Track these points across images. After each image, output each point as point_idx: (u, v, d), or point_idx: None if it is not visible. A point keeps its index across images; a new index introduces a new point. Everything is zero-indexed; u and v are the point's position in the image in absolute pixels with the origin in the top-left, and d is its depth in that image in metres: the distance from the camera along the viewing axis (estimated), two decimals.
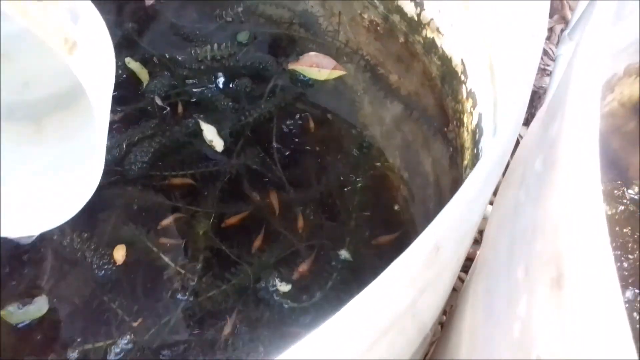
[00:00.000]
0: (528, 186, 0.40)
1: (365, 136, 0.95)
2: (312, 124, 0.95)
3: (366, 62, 1.04)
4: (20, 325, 0.70)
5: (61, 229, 0.72)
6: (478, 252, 0.76)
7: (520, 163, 0.46)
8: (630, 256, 0.71)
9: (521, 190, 0.42)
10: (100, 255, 0.72)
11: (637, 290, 0.68)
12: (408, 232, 0.87)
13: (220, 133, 0.86)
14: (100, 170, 0.56)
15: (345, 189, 0.90)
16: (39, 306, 0.70)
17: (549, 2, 0.60)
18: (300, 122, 0.96)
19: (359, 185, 0.90)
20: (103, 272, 0.72)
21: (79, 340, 0.69)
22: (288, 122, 0.94)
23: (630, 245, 0.72)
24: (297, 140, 0.94)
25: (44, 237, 0.74)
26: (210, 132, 0.84)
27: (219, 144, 0.84)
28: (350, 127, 0.96)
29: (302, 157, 0.93)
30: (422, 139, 1.00)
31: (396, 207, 0.92)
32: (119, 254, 0.73)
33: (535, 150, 0.41)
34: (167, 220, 0.78)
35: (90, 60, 0.49)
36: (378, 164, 0.96)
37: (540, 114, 0.57)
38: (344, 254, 0.76)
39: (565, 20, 1.35)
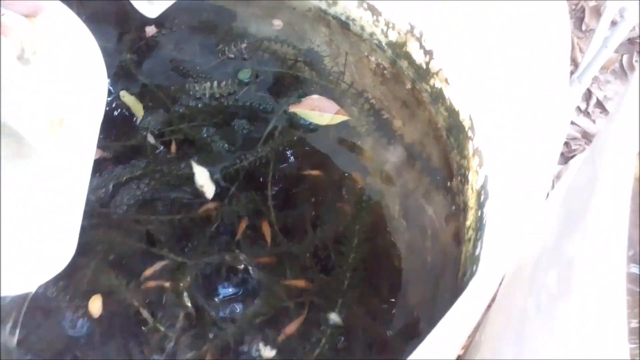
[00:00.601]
0: (539, 301, 0.36)
1: (365, 183, 0.91)
2: (309, 170, 0.91)
3: (370, 105, 1.01)
4: None
5: None
6: None
7: (528, 265, 0.42)
8: None
9: (529, 300, 0.38)
10: (75, 307, 0.68)
11: None
12: (405, 294, 0.83)
13: (212, 177, 0.82)
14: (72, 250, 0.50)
15: (342, 241, 0.85)
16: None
17: (568, 76, 0.56)
18: (297, 167, 0.92)
19: (356, 237, 0.86)
20: (77, 325, 0.67)
21: None
22: (284, 167, 0.90)
23: None
24: (293, 186, 0.90)
25: None
26: (202, 177, 0.80)
27: (209, 190, 0.80)
28: (350, 173, 0.92)
29: (298, 205, 0.88)
30: (424, 190, 0.96)
31: (395, 261, 0.88)
32: (95, 306, 0.68)
33: (546, 259, 0.37)
34: (150, 270, 0.74)
35: (79, 127, 0.45)
36: (376, 212, 0.92)
37: (553, 195, 0.52)
38: (333, 318, 0.72)
39: (575, 63, 1.31)
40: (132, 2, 0.77)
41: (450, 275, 0.84)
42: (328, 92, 0.99)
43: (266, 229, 0.83)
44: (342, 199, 0.91)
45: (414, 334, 0.80)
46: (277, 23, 1.07)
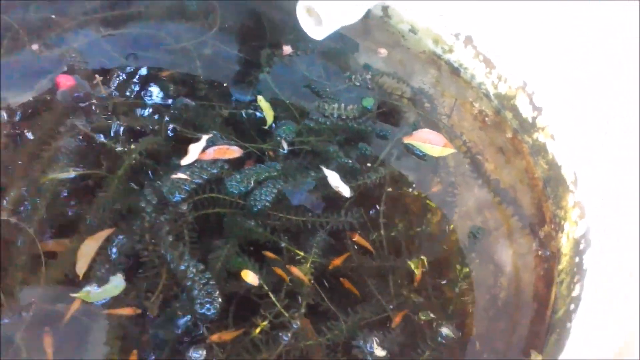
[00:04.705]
0: None
1: (449, 216, 1.00)
2: (409, 193, 1.00)
3: (467, 148, 1.10)
4: None
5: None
6: None
7: None
8: None
9: None
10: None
11: None
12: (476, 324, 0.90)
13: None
14: None
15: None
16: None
17: None
18: (400, 190, 1.01)
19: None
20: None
21: None
22: (393, 189, 0.98)
23: None
24: (396, 206, 0.99)
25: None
26: (334, 179, 0.89)
27: (345, 190, 0.89)
28: (444, 205, 1.01)
29: (396, 225, 0.97)
30: (507, 231, 1.04)
31: (461, 293, 0.94)
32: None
33: None
34: (270, 254, 0.83)
35: None
36: (451, 244, 1.00)
37: None
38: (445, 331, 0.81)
39: None
40: (301, 24, 0.88)
41: (536, 313, 0.92)
42: (433, 128, 1.09)
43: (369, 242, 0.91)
44: (428, 226, 1.00)
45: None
46: (383, 52, 1.17)
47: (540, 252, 0.97)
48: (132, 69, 1.02)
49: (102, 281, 0.75)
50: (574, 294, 0.82)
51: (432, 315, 0.87)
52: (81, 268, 0.77)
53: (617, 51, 0.86)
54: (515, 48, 1.02)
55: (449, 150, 1.03)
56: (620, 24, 0.85)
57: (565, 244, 0.92)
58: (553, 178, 0.98)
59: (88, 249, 0.79)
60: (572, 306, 0.81)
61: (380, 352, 0.78)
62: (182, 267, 0.77)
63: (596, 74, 0.89)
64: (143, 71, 1.03)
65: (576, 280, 0.84)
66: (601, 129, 0.88)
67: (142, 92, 0.99)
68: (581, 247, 0.87)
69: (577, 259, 0.87)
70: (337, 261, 0.87)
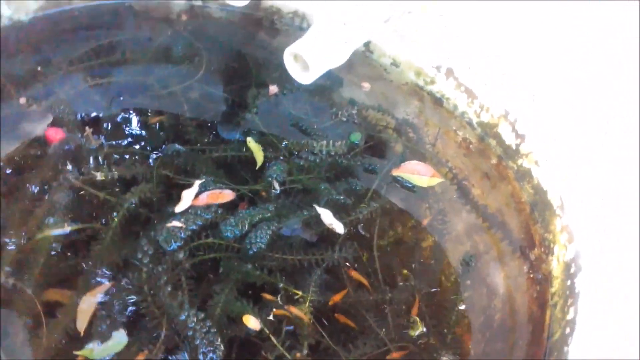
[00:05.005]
0: None
1: (440, 243, 1.01)
2: (401, 225, 1.02)
3: (454, 175, 1.12)
4: None
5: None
6: None
7: None
8: None
9: None
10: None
11: None
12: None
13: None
14: None
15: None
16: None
17: None
18: (391, 223, 1.02)
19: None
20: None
21: None
22: (384, 221, 1.00)
23: None
24: (388, 238, 1.01)
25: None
26: (327, 217, 0.91)
27: (339, 227, 0.90)
28: (435, 232, 1.02)
29: (390, 256, 0.98)
30: (497, 254, 1.06)
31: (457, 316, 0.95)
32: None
33: None
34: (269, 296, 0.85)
35: None
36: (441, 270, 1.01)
37: None
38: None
39: None
40: (288, 70, 0.90)
41: (532, 335, 0.93)
42: (420, 158, 1.11)
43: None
44: (421, 255, 1.01)
45: None
46: (366, 85, 1.20)
47: (532, 275, 0.99)
48: (121, 118, 1.03)
49: (104, 337, 0.75)
50: (569, 317, 0.84)
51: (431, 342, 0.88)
52: (82, 324, 0.77)
53: (588, 77, 0.89)
54: (496, 78, 1.05)
55: (437, 180, 1.05)
56: (600, 48, 0.89)
57: (556, 267, 0.94)
58: (540, 202, 1.01)
59: (87, 304, 0.79)
60: (568, 330, 0.83)
61: None
62: (182, 317, 0.78)
63: (574, 99, 0.92)
64: (132, 119, 1.04)
65: (570, 303, 0.86)
66: (586, 154, 0.91)
67: (132, 141, 1.00)
68: (572, 270, 0.89)
69: (568, 282, 0.89)
70: (336, 298, 0.88)
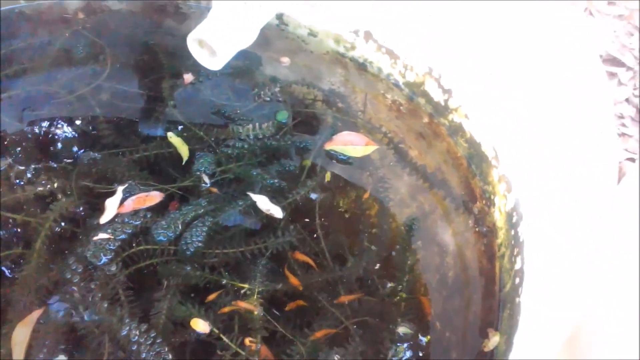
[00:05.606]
0: None
1: (386, 209, 1.00)
2: (344, 199, 1.00)
3: (388, 138, 1.10)
4: None
5: None
6: None
7: None
8: None
9: None
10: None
11: None
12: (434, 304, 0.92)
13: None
14: None
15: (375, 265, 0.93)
16: None
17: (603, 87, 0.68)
18: (334, 197, 1.00)
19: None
20: None
21: None
22: (325, 198, 0.98)
23: None
24: (333, 215, 0.98)
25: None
26: (264, 202, 0.88)
27: (277, 211, 0.87)
28: (379, 199, 1.01)
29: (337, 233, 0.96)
30: (442, 212, 1.06)
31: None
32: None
33: None
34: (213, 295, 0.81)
35: None
36: (394, 232, 1.00)
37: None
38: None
39: None
40: (195, 57, 0.85)
41: (485, 289, 0.94)
42: (352, 127, 1.09)
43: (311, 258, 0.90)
44: (368, 225, 1.00)
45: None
46: (286, 60, 1.16)
47: (477, 229, 0.99)
48: (30, 132, 0.96)
49: None
50: (517, 267, 0.84)
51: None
52: (18, 357, 0.72)
53: (505, 24, 0.88)
54: (414, 36, 1.02)
55: (372, 148, 1.03)
56: None
57: (499, 217, 0.94)
58: (475, 155, 1.00)
59: (21, 335, 0.74)
60: (517, 280, 0.83)
61: None
62: (124, 332, 0.74)
63: (496, 48, 0.91)
64: (42, 131, 0.97)
65: (516, 252, 0.86)
66: (513, 103, 0.90)
67: (45, 155, 0.93)
68: (514, 219, 0.89)
69: (512, 232, 0.89)
70: (284, 284, 0.86)
